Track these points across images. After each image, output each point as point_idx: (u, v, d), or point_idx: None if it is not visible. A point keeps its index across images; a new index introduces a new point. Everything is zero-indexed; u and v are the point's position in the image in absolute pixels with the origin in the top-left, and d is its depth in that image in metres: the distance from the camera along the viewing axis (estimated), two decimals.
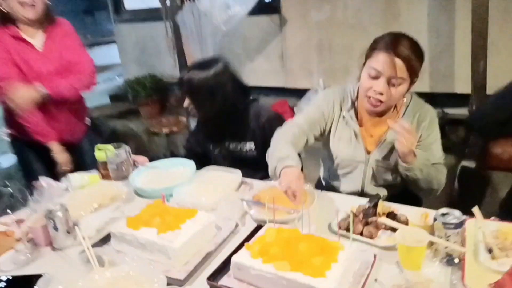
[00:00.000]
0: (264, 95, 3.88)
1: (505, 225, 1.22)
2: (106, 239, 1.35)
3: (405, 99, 1.56)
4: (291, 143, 1.50)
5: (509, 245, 1.12)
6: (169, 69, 4.35)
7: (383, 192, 1.64)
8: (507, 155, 2.50)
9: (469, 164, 2.66)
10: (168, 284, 1.08)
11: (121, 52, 5.27)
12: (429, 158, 1.50)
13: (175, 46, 3.92)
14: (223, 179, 1.71)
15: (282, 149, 1.45)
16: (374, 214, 1.33)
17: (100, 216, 1.48)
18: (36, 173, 1.96)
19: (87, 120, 2.44)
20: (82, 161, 2.25)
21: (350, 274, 1.08)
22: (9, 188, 1.49)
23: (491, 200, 2.45)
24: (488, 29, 2.46)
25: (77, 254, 1.30)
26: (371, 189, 1.64)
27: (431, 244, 1.14)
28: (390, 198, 1.54)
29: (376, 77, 1.44)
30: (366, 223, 1.31)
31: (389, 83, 1.43)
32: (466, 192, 2.57)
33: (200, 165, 1.84)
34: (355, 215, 1.32)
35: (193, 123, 3.90)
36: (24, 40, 2.07)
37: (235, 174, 1.73)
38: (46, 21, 2.11)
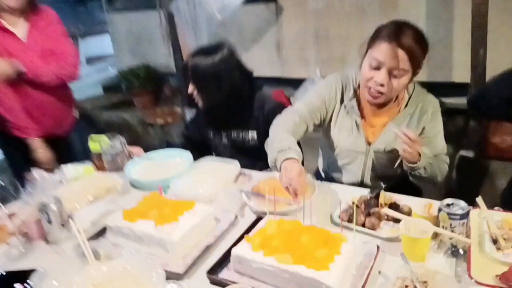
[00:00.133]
0: (260, 85, 3.84)
1: (510, 215, 1.20)
2: (101, 233, 1.32)
3: (407, 89, 1.53)
4: (291, 132, 1.46)
5: None
6: (163, 59, 4.29)
7: (383, 183, 1.62)
8: (506, 144, 2.50)
9: (468, 153, 2.65)
10: (167, 278, 1.05)
11: (114, 42, 5.20)
12: (432, 151, 1.48)
13: (169, 36, 3.85)
14: (221, 170, 1.68)
15: (283, 139, 1.41)
16: (376, 205, 1.31)
17: (95, 209, 1.45)
18: (24, 167, 1.91)
19: (75, 112, 2.37)
20: (72, 154, 2.19)
21: (354, 267, 1.06)
22: (0, 181, 1.45)
23: (490, 189, 2.44)
24: (488, 18, 2.43)
25: (72, 248, 1.27)
26: (371, 180, 1.62)
27: (435, 235, 1.12)
28: (389, 189, 1.51)
29: (377, 68, 1.40)
30: (368, 214, 1.29)
31: (391, 74, 1.39)
32: (465, 182, 2.56)
33: (198, 154, 1.81)
34: (356, 206, 1.29)
35: (189, 114, 3.86)
36: (6, 30, 1.99)
37: (233, 165, 1.69)
38: (29, 9, 2.03)
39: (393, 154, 1.52)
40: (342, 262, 1.01)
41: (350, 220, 1.27)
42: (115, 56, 5.34)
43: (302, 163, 1.42)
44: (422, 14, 3.06)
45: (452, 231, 1.10)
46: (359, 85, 1.56)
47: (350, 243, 1.08)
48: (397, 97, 1.53)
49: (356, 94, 1.57)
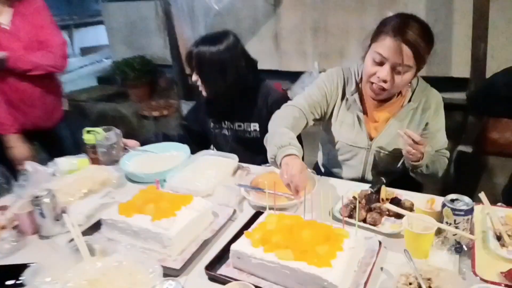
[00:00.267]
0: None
1: None
2: (96, 227, 1.29)
3: (410, 84, 1.50)
4: (291, 127, 1.42)
5: None
6: (159, 50, 4.24)
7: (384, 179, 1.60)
8: (504, 140, 2.49)
9: (466, 149, 2.64)
10: (164, 274, 1.02)
11: (109, 32, 5.13)
12: (434, 146, 1.46)
13: (166, 26, 3.80)
14: (219, 163, 1.65)
15: (283, 135, 1.37)
16: (378, 200, 1.29)
17: (90, 202, 1.42)
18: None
19: (65, 104, 2.31)
20: (63, 146, 2.14)
21: (356, 263, 1.04)
22: None
23: (488, 185, 2.44)
24: (489, 12, 2.41)
25: (65, 242, 1.22)
26: (372, 176, 1.59)
27: (438, 231, 1.10)
28: (390, 184, 1.49)
29: (380, 63, 1.36)
30: (369, 209, 1.27)
31: (394, 70, 1.35)
32: (463, 177, 2.55)
33: (195, 146, 1.78)
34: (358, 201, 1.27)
35: (185, 106, 3.81)
36: None
37: (231, 159, 1.66)
38: None
39: (396, 151, 1.50)
40: (344, 258, 0.99)
41: (350, 216, 1.25)
42: (110, 47, 5.27)
43: (303, 159, 1.39)
44: (422, 7, 3.03)
45: (456, 227, 1.08)
46: (361, 79, 1.52)
47: (352, 239, 1.05)
48: (400, 91, 1.50)
49: (358, 88, 1.54)
